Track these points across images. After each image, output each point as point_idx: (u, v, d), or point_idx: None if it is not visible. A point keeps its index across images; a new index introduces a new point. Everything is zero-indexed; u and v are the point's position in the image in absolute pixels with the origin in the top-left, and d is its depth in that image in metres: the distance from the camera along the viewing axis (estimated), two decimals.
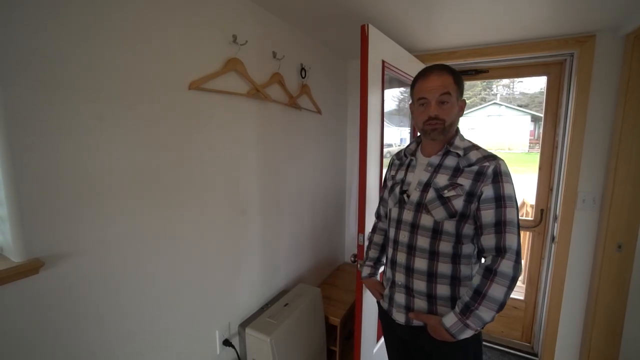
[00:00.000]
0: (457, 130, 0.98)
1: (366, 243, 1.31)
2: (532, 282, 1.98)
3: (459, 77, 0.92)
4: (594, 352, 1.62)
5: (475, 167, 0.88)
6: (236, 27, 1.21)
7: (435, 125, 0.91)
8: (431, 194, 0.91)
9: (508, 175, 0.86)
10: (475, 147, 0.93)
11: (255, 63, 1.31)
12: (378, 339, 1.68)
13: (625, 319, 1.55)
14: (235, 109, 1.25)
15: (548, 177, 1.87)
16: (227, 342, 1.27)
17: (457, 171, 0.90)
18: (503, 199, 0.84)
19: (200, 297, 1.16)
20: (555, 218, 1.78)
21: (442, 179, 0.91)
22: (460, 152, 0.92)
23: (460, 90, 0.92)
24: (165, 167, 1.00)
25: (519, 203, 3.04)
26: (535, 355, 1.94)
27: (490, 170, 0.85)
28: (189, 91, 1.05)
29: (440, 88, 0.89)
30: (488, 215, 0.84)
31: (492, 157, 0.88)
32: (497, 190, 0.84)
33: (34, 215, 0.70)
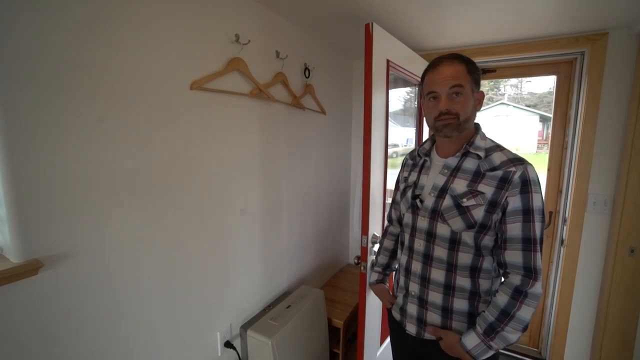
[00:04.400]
0: (478, 128, 0.89)
1: (370, 246, 1.29)
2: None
3: (474, 66, 0.83)
4: (605, 359, 1.57)
5: (499, 172, 0.78)
6: (239, 26, 1.20)
7: (447, 121, 0.81)
8: (448, 201, 0.83)
9: (537, 183, 0.77)
10: (499, 147, 0.84)
11: (258, 62, 1.30)
12: (381, 342, 1.66)
13: (639, 326, 1.50)
14: (238, 109, 1.24)
15: (557, 178, 1.82)
16: (228, 344, 1.26)
17: (477, 176, 0.81)
18: (532, 213, 0.75)
19: (201, 298, 1.16)
20: (564, 221, 1.74)
21: (460, 185, 0.82)
22: (482, 154, 0.82)
23: (475, 80, 0.82)
24: (166, 168, 0.99)
25: None
26: None
27: (517, 177, 0.76)
28: (191, 91, 1.04)
29: (451, 80, 0.80)
30: (514, 229, 0.76)
31: (519, 161, 0.78)
32: (526, 202, 0.75)
33: (33, 216, 0.70)
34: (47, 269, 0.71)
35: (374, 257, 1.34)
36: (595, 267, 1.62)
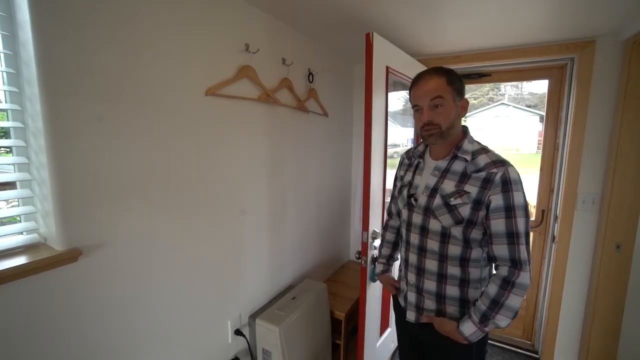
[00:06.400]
0: (466, 132, 0.96)
1: (370, 241, 1.38)
2: (533, 281, 2.02)
3: (454, 76, 0.90)
4: (593, 350, 1.65)
5: (482, 174, 0.86)
6: (248, 36, 1.29)
7: (430, 131, 0.90)
8: (438, 200, 0.91)
9: (518, 182, 0.84)
10: (484, 150, 0.91)
11: (266, 69, 1.39)
12: (381, 334, 1.75)
13: (624, 317, 1.59)
14: (247, 113, 1.34)
15: (549, 178, 1.91)
16: (238, 332, 1.35)
17: (464, 177, 0.89)
18: (513, 209, 0.82)
19: (214, 289, 1.25)
20: (555, 218, 1.82)
21: (448, 185, 0.90)
22: (468, 157, 0.90)
23: (456, 90, 0.89)
24: (184, 169, 1.08)
25: None
26: (536, 352, 1.98)
27: (499, 178, 0.83)
28: (206, 97, 1.13)
29: (430, 93, 0.87)
30: (498, 224, 0.84)
31: (500, 163, 0.85)
32: (507, 200, 0.82)
33: (74, 211, 0.79)
34: (85, 257, 0.80)
35: (374, 251, 1.43)
36: (584, 262, 1.70)
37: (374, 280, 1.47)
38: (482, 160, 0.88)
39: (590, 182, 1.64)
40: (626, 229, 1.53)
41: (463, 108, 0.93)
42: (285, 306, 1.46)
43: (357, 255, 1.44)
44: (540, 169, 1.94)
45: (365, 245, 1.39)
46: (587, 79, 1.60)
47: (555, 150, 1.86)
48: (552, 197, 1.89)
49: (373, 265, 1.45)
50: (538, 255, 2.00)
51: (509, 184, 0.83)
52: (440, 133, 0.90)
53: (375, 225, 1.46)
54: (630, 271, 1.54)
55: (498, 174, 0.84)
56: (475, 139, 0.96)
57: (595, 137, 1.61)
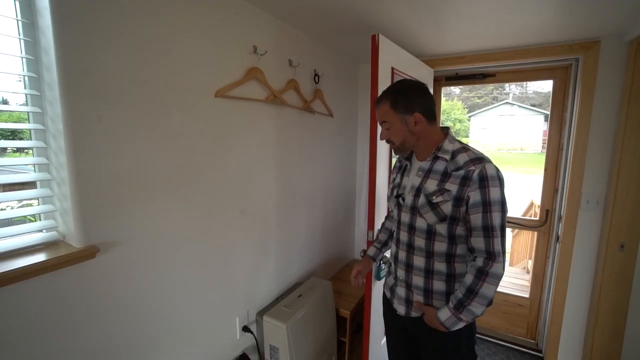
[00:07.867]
0: (446, 133, 1.01)
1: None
2: (537, 280, 2.03)
3: (398, 96, 0.96)
4: (597, 349, 1.66)
5: (461, 172, 0.90)
6: (256, 38, 1.31)
7: (392, 146, 1.04)
8: (422, 199, 0.96)
9: (495, 178, 0.88)
10: (464, 149, 0.95)
11: (273, 71, 1.42)
12: (386, 332, 1.76)
13: (628, 317, 1.59)
14: (255, 114, 1.36)
15: (553, 178, 1.92)
16: (246, 329, 1.38)
17: (445, 176, 0.93)
18: (489, 204, 0.87)
19: (223, 287, 1.28)
20: (559, 218, 1.83)
21: (431, 185, 0.95)
22: (448, 157, 0.94)
23: (402, 109, 0.95)
24: (197, 168, 1.11)
25: (528, 204, 3.07)
26: (540, 351, 2.00)
27: (476, 175, 0.87)
28: (215, 98, 1.16)
29: (378, 118, 1.03)
30: (476, 219, 0.88)
31: (478, 160, 0.89)
32: (484, 196, 0.87)
33: (92, 208, 0.82)
34: (102, 254, 0.83)
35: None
36: (588, 262, 1.71)
37: (379, 279, 1.49)
38: (462, 158, 0.93)
39: (595, 182, 1.65)
40: (630, 229, 1.53)
41: (415, 122, 0.96)
42: (292, 303, 1.48)
43: (362, 254, 1.46)
44: (545, 169, 1.95)
45: (370, 244, 1.41)
46: (591, 80, 1.60)
47: (560, 150, 1.86)
48: (556, 197, 1.90)
49: (378, 264, 1.47)
50: (542, 255, 2.01)
51: (486, 180, 0.87)
52: (397, 148, 1.03)
53: (380, 224, 1.48)
54: (634, 271, 1.55)
55: (475, 172, 0.88)
56: (456, 138, 1.01)
57: (600, 137, 1.61)
